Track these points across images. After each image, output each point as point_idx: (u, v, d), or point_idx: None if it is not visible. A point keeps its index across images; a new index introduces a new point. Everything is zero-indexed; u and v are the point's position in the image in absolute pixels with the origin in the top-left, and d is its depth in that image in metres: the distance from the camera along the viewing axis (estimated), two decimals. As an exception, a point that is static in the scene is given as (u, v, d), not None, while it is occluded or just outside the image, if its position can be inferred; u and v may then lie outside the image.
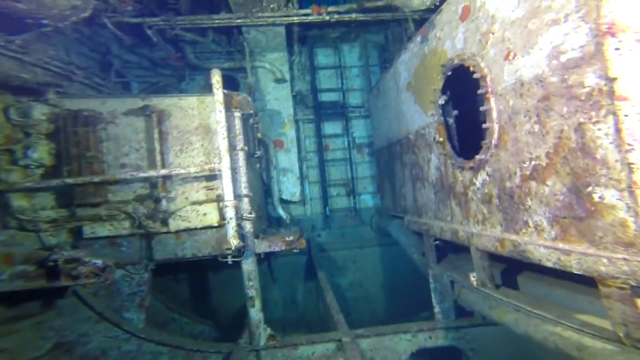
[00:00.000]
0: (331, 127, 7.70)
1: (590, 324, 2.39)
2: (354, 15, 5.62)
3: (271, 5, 5.13)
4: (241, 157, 4.37)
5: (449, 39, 3.51)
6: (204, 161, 4.23)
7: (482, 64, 2.84)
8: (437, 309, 4.57)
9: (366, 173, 7.76)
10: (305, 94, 7.46)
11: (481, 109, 2.89)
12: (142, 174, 3.90)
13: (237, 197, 4.13)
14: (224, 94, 4.09)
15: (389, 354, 4.36)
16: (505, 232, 2.77)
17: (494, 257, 3.26)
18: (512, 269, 3.47)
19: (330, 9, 5.47)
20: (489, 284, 3.20)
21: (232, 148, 4.16)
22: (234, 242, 3.96)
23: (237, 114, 4.40)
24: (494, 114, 2.77)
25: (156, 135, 3.99)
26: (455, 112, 3.75)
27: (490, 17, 2.74)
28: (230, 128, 4.18)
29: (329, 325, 5.08)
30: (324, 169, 7.45)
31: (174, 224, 4.13)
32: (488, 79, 2.79)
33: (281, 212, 6.42)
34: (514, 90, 2.48)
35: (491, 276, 3.21)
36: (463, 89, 3.77)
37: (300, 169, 7.17)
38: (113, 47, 5.84)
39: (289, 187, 6.80)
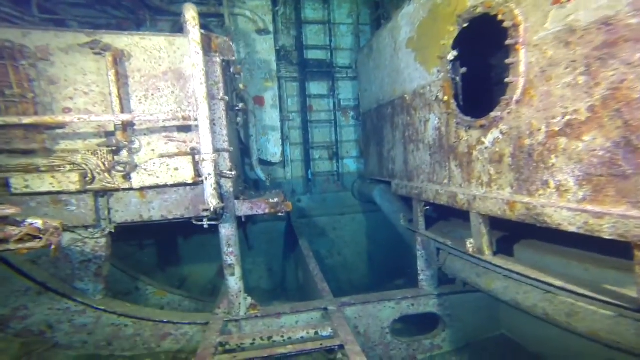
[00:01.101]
0: (316, 87, 7.21)
1: (586, 290, 2.27)
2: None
3: None
4: (221, 107, 3.91)
5: None
6: (175, 109, 3.70)
7: (517, 11, 2.49)
8: (421, 277, 4.44)
9: (350, 137, 7.43)
10: (290, 49, 6.87)
11: (506, 61, 2.57)
12: (96, 118, 3.28)
13: (216, 151, 3.69)
14: (202, 34, 3.54)
15: (372, 321, 4.25)
16: (517, 194, 2.54)
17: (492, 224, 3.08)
18: (506, 237, 3.32)
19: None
20: (487, 250, 3.01)
21: (210, 97, 3.66)
22: (212, 202, 3.56)
23: (217, 59, 3.89)
24: (522, 67, 2.47)
25: (112, 78, 3.33)
26: (464, 70, 3.43)
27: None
28: (208, 74, 3.68)
29: (310, 294, 4.88)
30: (307, 131, 7.03)
31: (138, 180, 3.60)
32: (521, 28, 2.46)
33: (260, 173, 6.01)
34: (557, 39, 2.16)
35: (490, 243, 3.02)
36: (472, 45, 3.50)
37: (282, 129, 6.71)
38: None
39: (269, 147, 6.36)
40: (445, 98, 3.51)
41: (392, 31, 4.99)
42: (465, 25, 3.24)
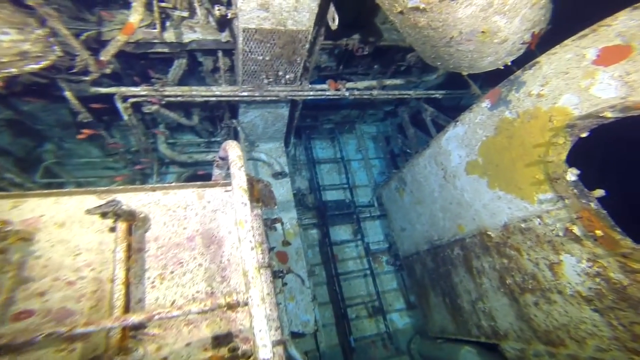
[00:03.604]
0: (339, 232, 6.19)
1: None
2: (375, 93, 4.74)
3: (287, 76, 4.02)
4: (268, 278, 2.69)
5: (569, 93, 2.72)
6: (203, 291, 2.44)
7: None
8: None
9: (388, 286, 6.09)
10: (305, 192, 6.09)
11: None
12: (85, 330, 1.84)
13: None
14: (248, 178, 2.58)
15: None
16: None
17: None
18: None
19: (348, 85, 4.56)
20: None
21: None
22: None
23: (258, 212, 2.86)
24: None
25: (122, 255, 2.16)
26: (601, 192, 2.58)
27: None
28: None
29: None
30: (340, 285, 5.64)
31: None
32: None
33: (296, 354, 4.35)
34: None
35: None
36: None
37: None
38: (53, 130, 4.21)
39: (299, 314, 4.84)
40: (599, 233, 2.54)
41: (435, 158, 4.39)
42: (581, 135, 2.66)
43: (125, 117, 3.81)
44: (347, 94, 4.59)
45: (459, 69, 3.72)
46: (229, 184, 2.80)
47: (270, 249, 4.04)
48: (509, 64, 3.43)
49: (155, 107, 3.83)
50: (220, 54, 3.94)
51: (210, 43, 3.70)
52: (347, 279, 5.89)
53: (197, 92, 3.93)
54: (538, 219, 3.02)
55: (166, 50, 3.66)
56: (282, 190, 5.43)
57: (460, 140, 3.93)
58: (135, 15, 2.79)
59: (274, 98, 4.26)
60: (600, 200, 2.64)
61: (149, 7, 3.20)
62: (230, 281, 2.50)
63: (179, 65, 3.89)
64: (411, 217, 5.12)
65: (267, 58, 3.74)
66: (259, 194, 2.98)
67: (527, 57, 3.18)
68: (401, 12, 2.78)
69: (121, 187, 2.34)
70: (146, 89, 3.69)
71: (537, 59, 2.99)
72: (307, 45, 3.74)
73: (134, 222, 2.24)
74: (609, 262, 2.55)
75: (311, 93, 4.40)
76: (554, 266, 2.90)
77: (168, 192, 2.54)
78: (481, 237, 3.73)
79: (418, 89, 5.19)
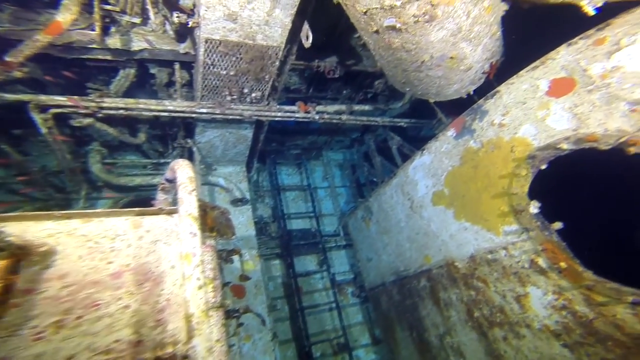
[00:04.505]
0: (303, 263, 5.85)
1: None
2: (344, 117, 4.60)
3: (253, 94, 3.79)
4: (219, 321, 2.31)
5: (528, 123, 2.71)
6: (125, 340, 1.97)
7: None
8: None
9: (354, 320, 5.76)
10: (268, 221, 5.75)
11: None
12: None
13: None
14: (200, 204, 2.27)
15: None
16: None
17: None
18: None
19: (319, 108, 4.39)
20: None
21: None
22: None
23: (212, 242, 2.52)
24: None
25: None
26: (559, 225, 2.53)
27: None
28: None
29: None
30: (304, 321, 5.23)
31: None
32: None
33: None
34: None
35: None
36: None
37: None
38: None
39: (256, 356, 4.37)
40: (563, 265, 2.45)
41: (402, 187, 4.29)
42: (542, 167, 2.64)
43: (44, 131, 3.32)
44: (317, 116, 4.42)
45: (427, 96, 3.68)
46: (176, 211, 2.47)
47: (225, 284, 3.65)
48: (471, 93, 3.44)
49: (88, 121, 3.38)
50: (177, 66, 3.64)
51: (166, 53, 3.39)
52: (311, 313, 5.50)
53: (146, 106, 3.54)
54: (504, 251, 2.93)
55: (108, 57, 3.28)
56: (242, 218, 5.07)
57: (427, 169, 3.86)
58: (66, 15, 2.44)
59: (237, 117, 3.98)
60: (567, 232, 2.58)
61: (89, 9, 2.86)
62: (167, 326, 2.06)
63: (125, 75, 3.52)
64: (377, 247, 4.93)
65: (232, 73, 3.50)
66: (213, 222, 2.65)
67: (487, 89, 3.19)
68: (376, 32, 2.69)
69: (16, 214, 1.92)
70: (76, 98, 3.23)
71: (498, 88, 2.99)
72: (277, 63, 3.55)
73: (26, 257, 1.81)
74: (573, 294, 2.46)
75: (279, 114, 4.17)
76: (521, 298, 2.79)
77: (90, 220, 2.13)
78: (448, 268, 3.59)
79: (384, 117, 5.15)
